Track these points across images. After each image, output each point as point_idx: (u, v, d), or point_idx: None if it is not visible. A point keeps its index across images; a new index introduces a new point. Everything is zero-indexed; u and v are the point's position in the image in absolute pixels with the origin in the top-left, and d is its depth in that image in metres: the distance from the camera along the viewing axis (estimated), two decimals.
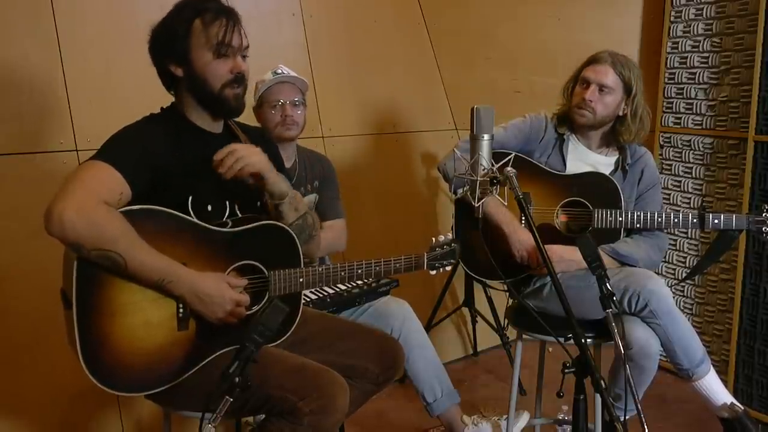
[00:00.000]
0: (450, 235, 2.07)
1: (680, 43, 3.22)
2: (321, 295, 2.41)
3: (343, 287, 2.51)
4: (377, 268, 1.94)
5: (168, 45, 1.76)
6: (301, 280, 1.84)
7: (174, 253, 1.66)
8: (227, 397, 1.40)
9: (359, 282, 2.57)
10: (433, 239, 2.05)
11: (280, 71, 2.51)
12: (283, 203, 1.85)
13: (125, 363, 1.65)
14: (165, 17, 1.78)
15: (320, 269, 1.87)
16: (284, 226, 1.85)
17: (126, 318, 1.65)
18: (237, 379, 1.40)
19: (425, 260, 2.01)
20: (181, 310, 1.70)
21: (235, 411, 1.66)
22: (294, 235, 1.85)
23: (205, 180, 1.77)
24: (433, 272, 2.04)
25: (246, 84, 1.82)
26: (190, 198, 1.74)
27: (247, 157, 1.75)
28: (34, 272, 2.28)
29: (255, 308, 1.78)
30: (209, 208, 1.78)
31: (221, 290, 1.69)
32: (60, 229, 1.54)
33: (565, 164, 2.46)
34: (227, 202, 1.82)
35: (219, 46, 1.74)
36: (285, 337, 1.85)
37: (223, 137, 1.88)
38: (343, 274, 1.90)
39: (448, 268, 2.07)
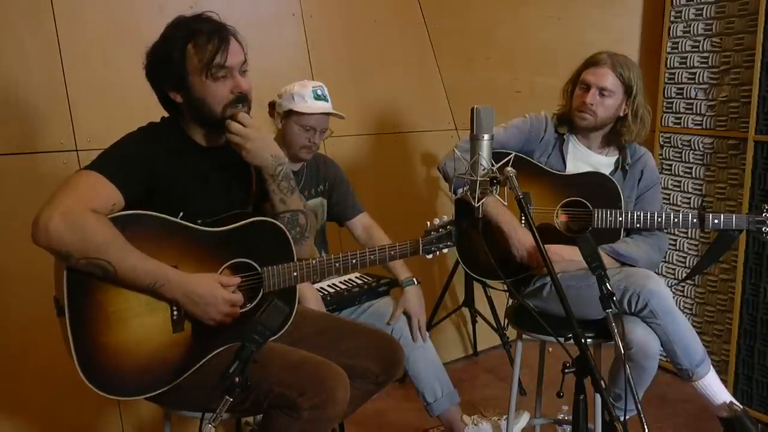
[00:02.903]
0: (445, 218, 2.03)
1: (680, 43, 3.22)
2: (321, 294, 2.41)
3: (343, 286, 2.52)
4: (372, 257, 1.92)
5: (165, 72, 1.72)
6: (294, 274, 1.83)
7: (165, 256, 1.66)
8: (227, 396, 1.40)
9: (359, 281, 2.57)
10: (428, 223, 2.01)
11: (320, 93, 2.44)
12: (268, 186, 1.82)
13: (122, 368, 1.65)
14: (158, 41, 1.74)
15: (314, 262, 1.85)
16: (274, 221, 1.83)
17: (120, 323, 1.64)
18: (237, 379, 1.40)
19: (420, 245, 1.99)
20: (175, 313, 1.70)
21: (234, 408, 1.66)
22: (284, 228, 1.84)
23: (198, 196, 1.76)
24: (429, 256, 2.00)
25: (250, 101, 1.79)
26: (181, 214, 1.72)
27: (246, 139, 1.76)
28: (35, 272, 2.26)
29: (249, 306, 1.78)
30: (198, 222, 1.76)
31: (213, 290, 1.69)
32: (46, 238, 1.52)
33: (565, 164, 2.46)
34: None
35: (215, 70, 1.70)
36: (282, 330, 1.85)
37: (221, 150, 1.86)
38: (337, 265, 1.88)
39: (445, 251, 2.03)
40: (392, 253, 1.96)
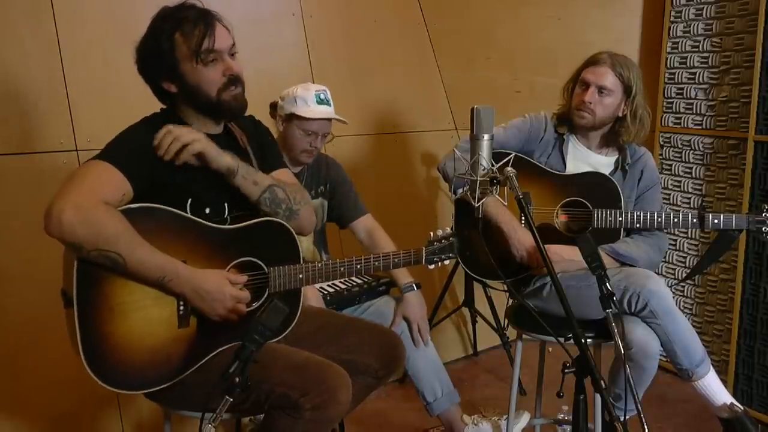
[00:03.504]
0: (449, 229, 2.06)
1: (680, 43, 3.22)
2: (321, 294, 2.41)
3: (343, 286, 2.52)
4: (376, 263, 1.95)
5: (156, 64, 1.74)
6: (300, 276, 1.84)
7: (174, 250, 1.66)
8: (227, 396, 1.40)
9: (359, 281, 2.57)
10: (431, 233, 2.04)
11: (323, 97, 2.44)
12: (236, 178, 1.77)
13: (127, 361, 1.66)
14: (146, 34, 1.75)
15: (319, 265, 1.87)
16: (282, 222, 1.84)
17: (127, 316, 1.65)
18: (237, 379, 1.40)
19: (424, 255, 2.01)
20: (181, 308, 1.71)
21: (235, 408, 1.66)
22: (292, 231, 1.85)
23: (204, 183, 1.77)
24: (432, 266, 2.03)
25: (243, 81, 1.80)
26: (189, 201, 1.74)
27: (183, 136, 1.69)
28: (34, 272, 2.28)
29: (255, 305, 1.78)
30: (207, 210, 1.77)
31: (221, 287, 1.70)
32: (59, 230, 1.54)
33: (565, 164, 2.46)
34: (225, 204, 1.82)
35: (205, 55, 1.71)
36: (285, 333, 1.86)
37: (221, 137, 1.87)
38: (342, 269, 1.90)
39: (447, 262, 2.06)
40: (396, 260, 1.98)
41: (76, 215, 1.54)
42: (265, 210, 1.84)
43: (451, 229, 2.07)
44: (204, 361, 1.75)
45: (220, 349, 1.77)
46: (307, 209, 1.93)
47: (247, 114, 1.88)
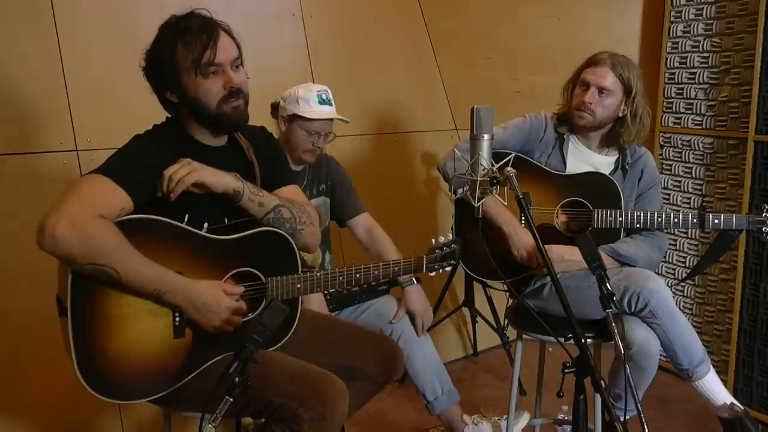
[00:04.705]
0: (450, 236, 2.06)
1: (680, 43, 3.22)
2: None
3: None
4: (376, 272, 1.93)
5: (159, 73, 1.72)
6: (298, 286, 1.82)
7: (170, 261, 1.65)
8: (227, 397, 1.40)
9: None
10: (433, 240, 2.03)
11: (325, 97, 2.44)
12: (242, 200, 1.76)
13: (121, 372, 1.64)
14: (153, 42, 1.73)
15: (318, 275, 1.85)
16: (281, 231, 1.82)
17: (122, 327, 1.64)
18: (237, 379, 1.40)
19: (425, 263, 2.00)
20: (177, 319, 1.69)
21: (235, 413, 1.65)
22: (291, 240, 1.83)
23: (202, 197, 1.74)
24: (432, 274, 2.03)
25: (246, 94, 1.77)
26: (187, 216, 1.72)
27: (177, 173, 1.67)
28: (34, 272, 2.27)
29: (250, 316, 1.77)
30: (205, 225, 1.75)
31: (216, 298, 1.68)
32: (53, 245, 1.52)
33: (565, 164, 2.46)
34: (226, 220, 1.80)
35: (205, 67, 1.68)
36: (284, 341, 1.84)
37: (226, 150, 1.86)
38: (341, 279, 1.88)
39: (448, 269, 2.06)
40: (396, 269, 1.97)
41: (70, 230, 1.51)
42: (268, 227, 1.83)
43: (452, 230, 2.07)
44: (200, 370, 1.74)
45: (216, 359, 1.75)
46: (311, 228, 1.90)
47: (251, 119, 1.85)
